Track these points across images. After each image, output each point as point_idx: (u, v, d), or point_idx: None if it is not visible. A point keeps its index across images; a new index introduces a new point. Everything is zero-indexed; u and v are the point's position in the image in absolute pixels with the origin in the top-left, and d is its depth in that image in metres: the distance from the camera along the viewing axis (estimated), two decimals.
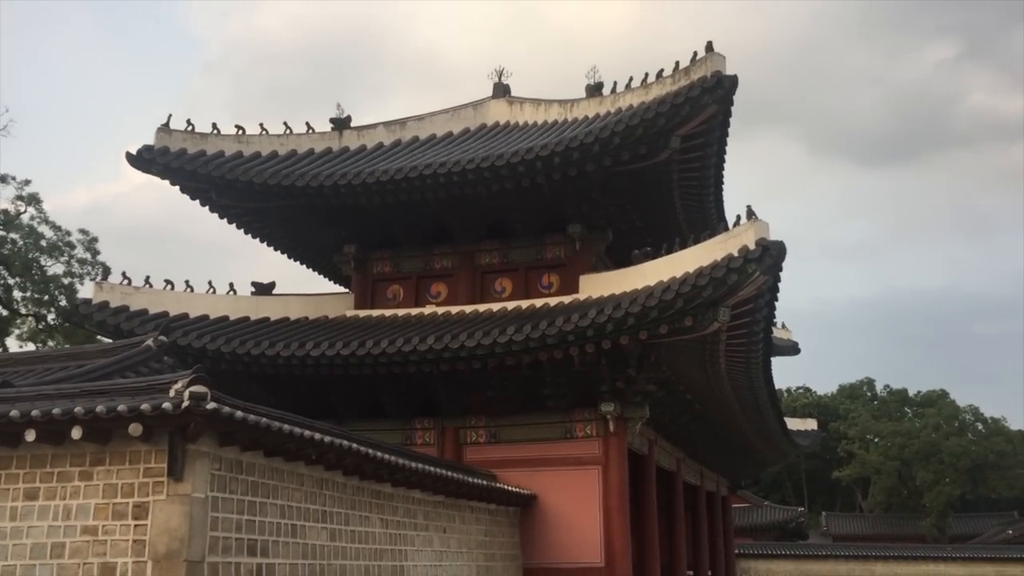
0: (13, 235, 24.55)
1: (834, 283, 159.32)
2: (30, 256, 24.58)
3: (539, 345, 16.47)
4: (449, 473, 14.32)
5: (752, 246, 15.10)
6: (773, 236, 15.28)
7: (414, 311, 19.99)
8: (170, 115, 19.43)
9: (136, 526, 8.99)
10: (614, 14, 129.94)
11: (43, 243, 24.85)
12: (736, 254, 15.18)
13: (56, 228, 25.23)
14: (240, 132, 20.23)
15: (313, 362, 17.40)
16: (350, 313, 20.37)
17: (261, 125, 20.48)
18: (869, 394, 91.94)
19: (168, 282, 19.00)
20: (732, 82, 16.52)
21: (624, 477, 17.81)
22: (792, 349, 35.20)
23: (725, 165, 18.87)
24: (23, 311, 26.46)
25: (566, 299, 18.81)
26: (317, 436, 10.58)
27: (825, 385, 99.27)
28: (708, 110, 16.89)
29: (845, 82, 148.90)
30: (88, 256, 25.61)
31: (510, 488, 17.03)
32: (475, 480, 15.31)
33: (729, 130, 17.73)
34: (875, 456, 67.90)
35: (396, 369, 17.52)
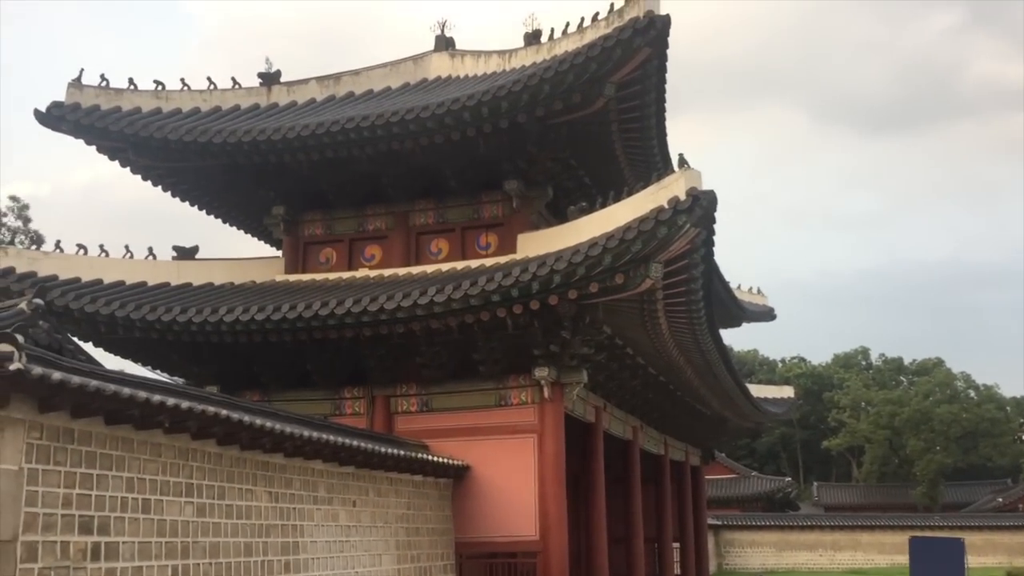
0: None
1: (838, 254, 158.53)
2: None
3: (463, 307, 15.46)
4: (355, 443, 13.34)
5: (683, 196, 14.05)
6: (705, 186, 14.23)
7: (346, 275, 19.01)
8: (82, 70, 18.33)
9: None
10: None
11: None
12: (666, 206, 14.14)
13: None
14: (159, 88, 19.14)
15: (228, 328, 16.40)
16: (279, 278, 19.37)
17: (182, 80, 19.45)
18: (864, 363, 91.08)
19: (80, 247, 18.00)
20: (664, 22, 15.38)
21: (560, 446, 16.83)
22: (767, 315, 34.14)
23: (666, 112, 17.73)
24: None
25: (503, 259, 17.79)
26: (170, 402, 9.58)
27: (824, 356, 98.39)
28: (641, 53, 15.76)
29: (849, 50, 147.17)
30: (20, 224, 24.65)
31: (436, 458, 16.07)
32: (389, 450, 14.33)
33: (667, 76, 16.60)
34: (865, 425, 67.12)
35: (318, 335, 16.53)
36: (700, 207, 13.89)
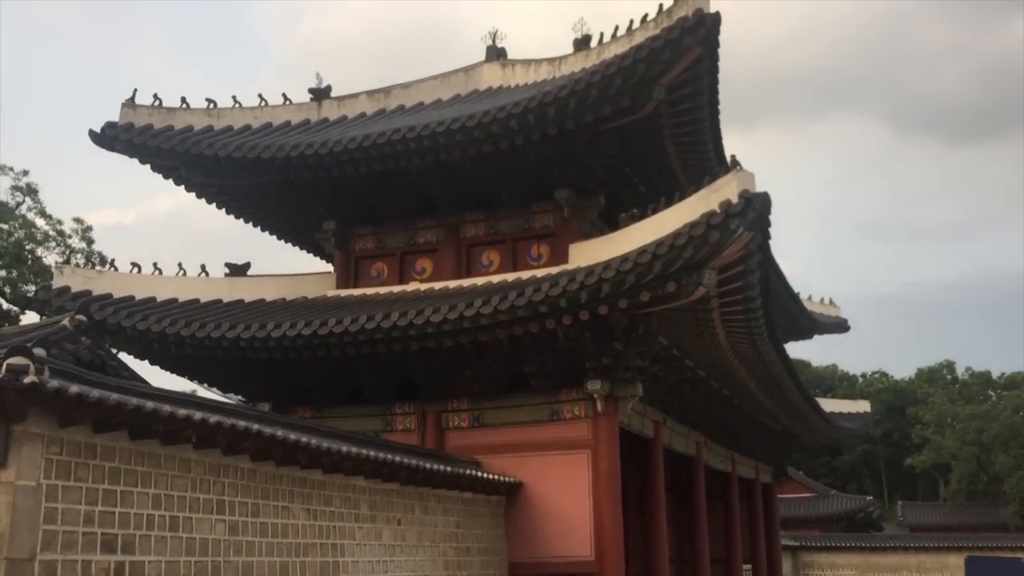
0: (2, 225, 24.12)
1: (922, 266, 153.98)
2: (26, 247, 24.14)
3: (510, 318, 15.05)
4: (399, 459, 12.99)
5: (735, 199, 13.44)
6: (760, 189, 13.63)
7: (397, 288, 18.78)
8: (135, 90, 18.52)
9: None
10: None
11: (36, 233, 24.43)
12: (717, 209, 13.54)
13: (48, 218, 24.79)
14: (211, 106, 19.23)
15: (276, 344, 16.25)
16: (331, 293, 19.23)
17: (234, 98, 19.51)
18: (949, 377, 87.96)
19: (135, 265, 18.10)
20: (715, 20, 14.82)
21: (615, 461, 16.25)
22: (840, 326, 32.96)
23: (720, 113, 17.09)
24: None
25: (554, 270, 17.31)
26: (197, 416, 9.35)
27: (908, 371, 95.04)
28: (692, 53, 15.21)
29: (929, 58, 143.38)
30: (84, 245, 25.08)
31: (486, 475, 15.63)
32: (436, 466, 13.94)
33: (719, 76, 16.02)
34: (951, 441, 64.38)
35: (367, 349, 16.28)
36: (753, 210, 13.26)
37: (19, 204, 24.67)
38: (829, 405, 31.16)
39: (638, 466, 19.24)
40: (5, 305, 25.20)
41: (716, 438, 23.79)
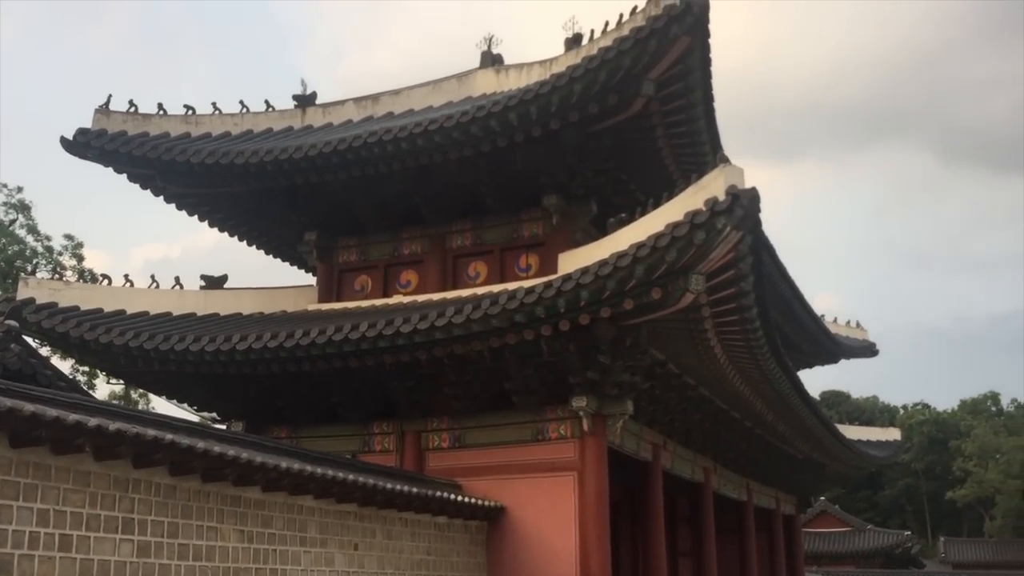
0: None
1: (971, 299, 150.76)
2: (15, 264, 23.65)
3: (483, 328, 13.99)
4: (351, 477, 11.92)
5: (721, 196, 12.32)
6: (749, 184, 12.49)
7: (379, 302, 17.82)
8: (110, 95, 17.86)
9: None
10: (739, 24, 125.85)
11: (26, 250, 23.97)
12: (703, 207, 12.42)
13: (37, 234, 24.36)
14: (189, 112, 18.51)
15: (242, 357, 15.32)
16: (312, 307, 18.32)
17: (214, 104, 18.76)
18: (993, 409, 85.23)
19: (104, 276, 17.38)
20: (702, 7, 13.78)
21: (603, 485, 15.03)
22: (867, 350, 31.37)
23: (715, 108, 15.97)
24: None
25: (543, 280, 16.23)
26: (92, 423, 8.38)
27: (953, 404, 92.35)
28: (680, 44, 14.18)
29: (975, 88, 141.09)
30: (74, 262, 24.59)
31: (461, 498, 14.50)
32: (398, 487, 12.82)
33: (712, 69, 14.94)
34: (994, 474, 61.81)
35: (338, 363, 15.27)
36: (741, 207, 12.12)
37: (12, 221, 24.40)
38: (856, 432, 29.62)
39: (637, 492, 18.00)
40: None
41: (728, 464, 22.40)
